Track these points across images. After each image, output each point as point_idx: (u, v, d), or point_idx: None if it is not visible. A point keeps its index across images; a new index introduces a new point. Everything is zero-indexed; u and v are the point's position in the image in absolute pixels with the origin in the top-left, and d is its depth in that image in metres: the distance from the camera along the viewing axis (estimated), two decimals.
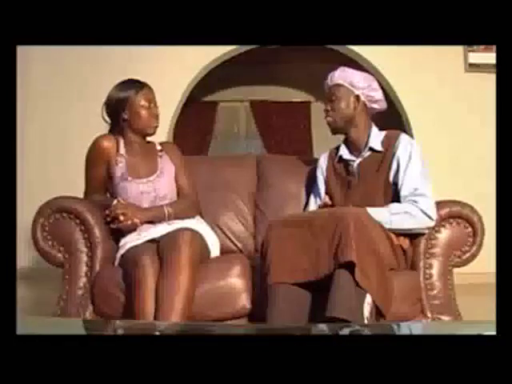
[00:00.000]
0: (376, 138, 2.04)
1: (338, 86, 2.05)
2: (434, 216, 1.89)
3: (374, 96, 2.07)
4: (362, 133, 2.06)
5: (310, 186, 2.26)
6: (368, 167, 2.01)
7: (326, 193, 2.12)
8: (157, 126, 2.09)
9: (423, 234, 1.94)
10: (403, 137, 2.02)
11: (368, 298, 1.57)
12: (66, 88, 4.26)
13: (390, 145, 2.01)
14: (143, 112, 2.04)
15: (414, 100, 4.29)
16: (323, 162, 2.19)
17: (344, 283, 1.55)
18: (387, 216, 1.84)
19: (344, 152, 2.10)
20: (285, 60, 5.94)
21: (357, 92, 2.04)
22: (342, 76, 2.05)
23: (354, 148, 2.08)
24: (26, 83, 4.04)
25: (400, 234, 1.89)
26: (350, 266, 1.55)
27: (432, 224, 1.90)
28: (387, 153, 2.00)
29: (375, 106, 2.09)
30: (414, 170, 1.92)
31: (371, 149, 2.03)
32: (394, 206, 1.89)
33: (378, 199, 1.95)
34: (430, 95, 4.25)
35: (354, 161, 2.06)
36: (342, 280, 1.55)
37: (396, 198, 1.94)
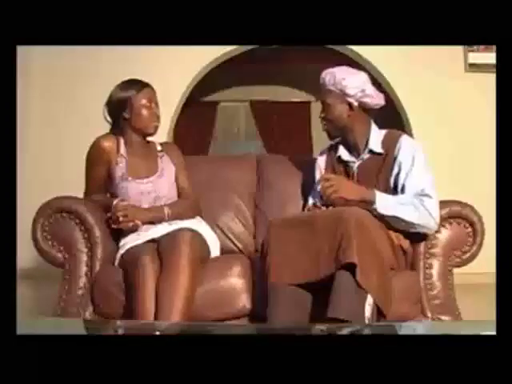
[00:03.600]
0: (376, 139, 2.00)
1: (330, 91, 1.97)
2: (438, 218, 1.86)
3: (368, 102, 1.98)
4: (361, 135, 2.01)
5: (309, 187, 2.25)
6: (368, 170, 1.98)
7: None
8: (157, 126, 2.09)
9: (423, 234, 1.93)
10: (404, 139, 1.99)
11: (369, 299, 1.56)
12: (66, 88, 4.26)
13: (390, 147, 1.97)
14: (144, 111, 2.03)
15: (414, 100, 4.29)
16: (321, 162, 2.16)
17: (345, 284, 1.55)
18: (394, 203, 1.82)
19: (343, 153, 2.06)
20: (285, 60, 5.93)
21: (349, 100, 1.96)
22: (332, 82, 1.96)
23: (353, 149, 2.05)
24: (26, 83, 4.04)
25: (399, 231, 1.88)
26: (351, 267, 1.55)
27: (434, 225, 1.86)
28: (387, 156, 1.96)
29: (370, 107, 2.02)
30: (419, 172, 1.89)
31: (371, 151, 2.00)
32: (402, 196, 1.87)
33: None
34: (430, 95, 4.25)
35: (353, 162, 2.02)
36: (343, 281, 1.55)
37: None
